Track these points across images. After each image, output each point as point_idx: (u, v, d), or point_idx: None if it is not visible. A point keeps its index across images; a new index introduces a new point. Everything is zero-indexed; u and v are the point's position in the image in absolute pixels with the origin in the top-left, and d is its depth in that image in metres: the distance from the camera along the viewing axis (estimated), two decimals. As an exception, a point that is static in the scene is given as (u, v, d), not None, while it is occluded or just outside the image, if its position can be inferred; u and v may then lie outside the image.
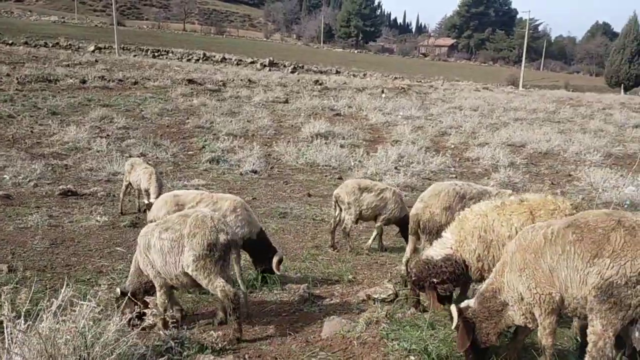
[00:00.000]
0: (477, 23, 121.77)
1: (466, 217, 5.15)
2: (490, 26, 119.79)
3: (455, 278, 5.05)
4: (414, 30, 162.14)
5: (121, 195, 9.92)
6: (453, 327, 4.32)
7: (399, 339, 4.59)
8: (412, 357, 4.29)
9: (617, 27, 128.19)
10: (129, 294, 4.79)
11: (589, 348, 3.78)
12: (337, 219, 8.45)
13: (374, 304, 5.52)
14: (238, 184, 12.74)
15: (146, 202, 8.93)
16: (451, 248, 5.09)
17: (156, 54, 52.55)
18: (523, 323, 4.17)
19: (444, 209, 6.05)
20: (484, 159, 16.65)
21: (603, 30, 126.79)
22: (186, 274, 4.80)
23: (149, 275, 5.05)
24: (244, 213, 6.50)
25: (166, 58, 49.56)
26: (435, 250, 5.19)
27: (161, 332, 4.26)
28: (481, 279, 5.00)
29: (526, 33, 69.92)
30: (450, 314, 4.40)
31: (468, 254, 5.00)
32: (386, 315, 5.00)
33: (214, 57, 54.10)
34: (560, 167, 16.36)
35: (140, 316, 4.29)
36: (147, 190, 9.30)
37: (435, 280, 5.03)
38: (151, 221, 6.20)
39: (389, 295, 5.69)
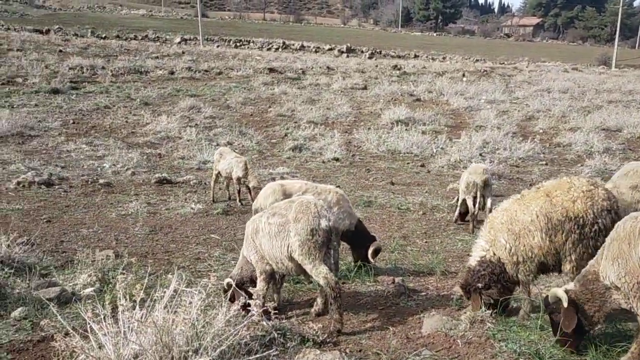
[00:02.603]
0: (565, 0, 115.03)
1: (493, 217, 5.22)
2: (579, 3, 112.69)
3: (497, 280, 5.04)
4: (496, 10, 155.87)
5: (212, 184, 10.23)
6: (565, 305, 4.21)
7: (507, 340, 4.42)
8: (521, 360, 4.12)
9: None
10: (234, 285, 4.94)
11: None
12: None
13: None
14: (321, 172, 12.82)
15: (251, 185, 9.35)
16: (484, 250, 5.14)
17: (238, 44, 53.73)
18: (628, 307, 4.09)
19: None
20: (576, 144, 15.76)
21: None
22: (292, 259, 4.93)
23: (251, 261, 5.20)
24: (346, 205, 6.58)
25: (247, 48, 50.59)
26: (473, 257, 5.24)
27: (264, 322, 4.34)
28: (517, 278, 5.03)
29: (620, 9, 65.18)
30: (557, 296, 4.30)
31: (501, 251, 5.01)
32: (491, 314, 4.83)
33: (293, 45, 54.57)
34: (662, 153, 15.20)
35: (245, 307, 4.39)
36: (239, 179, 9.62)
37: (479, 285, 5.05)
38: (256, 209, 6.37)
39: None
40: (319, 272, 4.82)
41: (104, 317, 3.77)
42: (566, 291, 4.29)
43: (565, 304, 4.18)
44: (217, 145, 14.44)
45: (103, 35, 46.46)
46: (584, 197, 4.74)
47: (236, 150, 11.75)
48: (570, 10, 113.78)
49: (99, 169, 12.00)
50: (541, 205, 4.81)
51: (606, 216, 4.71)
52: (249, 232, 5.25)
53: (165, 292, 3.96)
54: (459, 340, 4.54)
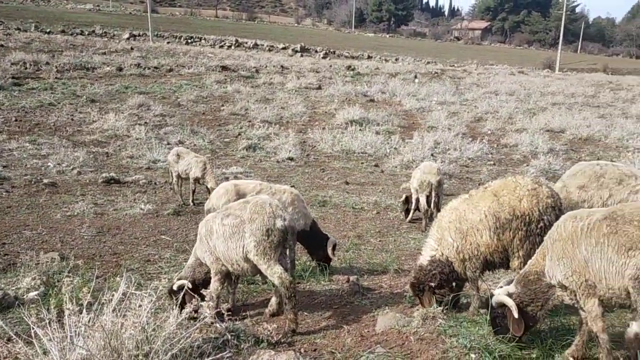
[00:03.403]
0: (512, 5, 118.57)
1: (441, 216, 5.36)
2: (525, 8, 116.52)
3: (447, 279, 5.19)
4: (446, 13, 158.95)
5: (176, 187, 9.94)
6: (515, 316, 4.31)
7: (458, 335, 4.51)
8: (472, 355, 4.20)
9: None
10: (186, 287, 4.83)
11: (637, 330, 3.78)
12: None
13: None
14: (275, 172, 12.75)
15: (210, 186, 9.17)
16: (433, 250, 5.28)
17: (189, 40, 52.76)
18: (572, 303, 4.24)
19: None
20: (522, 145, 16.30)
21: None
22: (247, 260, 4.89)
23: (206, 262, 5.12)
24: (301, 205, 6.58)
25: (199, 45, 49.74)
26: (424, 257, 5.36)
27: (217, 324, 4.27)
28: (465, 275, 5.19)
29: (563, 15, 67.83)
30: (503, 303, 4.40)
31: (448, 250, 5.16)
32: (442, 311, 4.92)
33: (246, 43, 54.07)
34: (602, 154, 15.88)
35: (197, 309, 4.31)
36: (198, 179, 9.49)
37: (432, 284, 5.19)
38: (209, 210, 6.26)
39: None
40: (274, 272, 4.79)
41: (49, 322, 3.61)
42: (510, 295, 4.39)
43: (515, 315, 4.29)
44: (168, 144, 14.16)
45: (47, 30, 44.64)
46: (529, 195, 4.92)
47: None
48: (517, 15, 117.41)
49: (42, 168, 11.53)
50: (489, 204, 4.96)
51: (551, 213, 4.90)
52: (202, 233, 5.16)
53: (113, 295, 3.83)
54: (411, 337, 4.61)
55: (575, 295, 4.11)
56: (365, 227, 8.87)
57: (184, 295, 4.80)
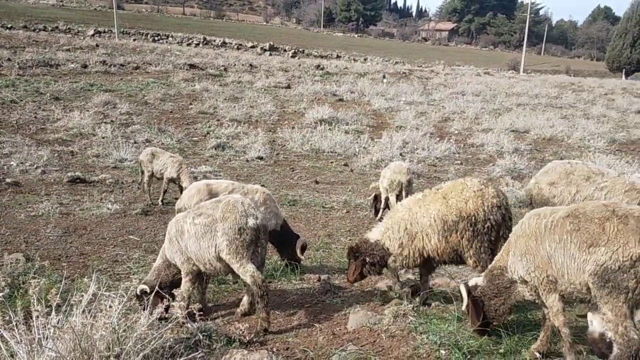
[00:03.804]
0: (478, 7, 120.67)
1: (396, 210, 5.58)
2: (491, 10, 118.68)
3: (379, 262, 5.47)
4: (414, 14, 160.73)
5: (146, 187, 9.77)
6: (463, 308, 4.49)
7: (428, 332, 4.59)
8: (442, 351, 4.28)
9: (619, 11, 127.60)
10: (156, 287, 4.78)
11: (612, 337, 3.87)
12: None
13: (396, 295, 5.52)
14: (245, 171, 12.70)
15: (184, 186, 9.01)
16: (380, 234, 5.52)
17: (156, 38, 52.05)
18: (532, 299, 4.37)
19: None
20: (488, 145, 16.58)
21: (605, 15, 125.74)
22: (220, 259, 4.88)
23: (176, 263, 5.07)
24: (272, 205, 6.58)
25: (166, 42, 49.12)
26: (373, 234, 5.62)
27: (189, 324, 4.24)
28: (390, 265, 5.46)
29: (527, 17, 69.34)
30: (460, 294, 4.56)
31: (389, 242, 5.39)
32: (413, 308, 5.00)
33: (214, 41, 53.62)
34: (565, 154, 16.30)
35: (168, 309, 4.26)
36: (173, 180, 9.40)
37: (367, 259, 5.47)
38: (180, 209, 6.20)
39: (411, 287, 5.68)
40: (246, 271, 4.79)
41: (16, 324, 3.53)
42: (475, 287, 4.56)
43: (465, 304, 4.48)
44: (135, 142, 13.95)
45: (9, 25, 43.32)
46: (475, 196, 5.09)
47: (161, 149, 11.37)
48: (482, 17, 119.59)
49: (5, 167, 11.20)
50: (439, 207, 5.14)
51: (497, 212, 5.08)
52: (172, 233, 5.11)
53: (82, 297, 3.77)
54: (382, 334, 4.67)
55: (536, 291, 4.23)
56: (335, 226, 8.93)
57: (150, 298, 4.72)
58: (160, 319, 4.04)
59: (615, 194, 6.16)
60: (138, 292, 5.01)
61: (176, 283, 5.11)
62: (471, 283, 4.64)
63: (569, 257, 3.98)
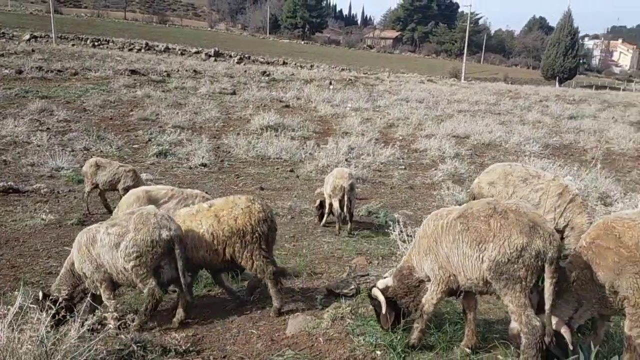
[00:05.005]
0: (421, 16, 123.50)
1: (179, 215, 5.70)
2: (433, 19, 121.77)
3: None
4: (359, 22, 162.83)
5: (86, 196, 9.45)
6: (383, 311, 4.64)
7: (365, 334, 4.66)
8: (378, 352, 4.36)
9: (553, 21, 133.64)
10: (67, 297, 4.70)
11: (517, 327, 4.08)
12: None
13: (337, 299, 5.56)
14: (188, 178, 12.51)
15: None
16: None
17: (96, 43, 50.53)
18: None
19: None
20: (431, 150, 16.97)
21: (539, 25, 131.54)
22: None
23: (85, 273, 5.02)
24: None
25: (107, 48, 47.75)
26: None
27: (122, 335, 4.13)
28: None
29: (467, 27, 71.66)
30: (377, 299, 4.70)
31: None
32: (351, 311, 5.05)
33: (157, 46, 52.63)
34: (502, 158, 16.86)
35: (101, 321, 4.15)
36: (129, 188, 9.03)
37: None
38: None
39: (350, 290, 5.75)
40: (146, 284, 4.88)
41: None
42: (385, 289, 4.74)
43: (383, 310, 4.66)
44: (73, 150, 13.51)
45: (-64, 28, 41.24)
46: (243, 213, 5.47)
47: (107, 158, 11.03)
48: (425, 26, 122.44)
49: None
50: (210, 223, 5.46)
51: (263, 224, 5.50)
52: (82, 241, 5.06)
53: (9, 310, 3.62)
54: (320, 338, 4.70)
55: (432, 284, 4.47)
56: (279, 232, 8.83)
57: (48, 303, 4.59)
58: (91, 330, 3.92)
59: (549, 196, 6.47)
60: (40, 297, 4.90)
61: (76, 295, 5.09)
62: (381, 285, 4.80)
63: (462, 255, 4.20)
